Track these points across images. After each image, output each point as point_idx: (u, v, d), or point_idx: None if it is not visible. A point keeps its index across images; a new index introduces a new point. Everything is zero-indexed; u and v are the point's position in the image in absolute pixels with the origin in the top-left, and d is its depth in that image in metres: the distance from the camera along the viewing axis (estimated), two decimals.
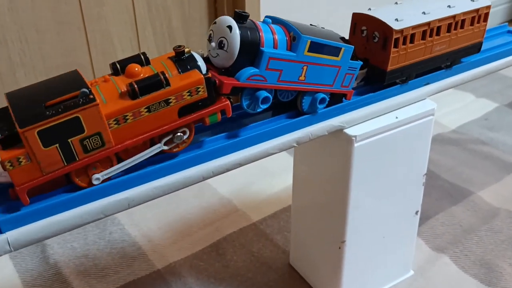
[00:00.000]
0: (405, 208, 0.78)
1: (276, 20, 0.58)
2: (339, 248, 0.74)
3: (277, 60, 0.55)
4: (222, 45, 0.53)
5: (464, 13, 0.69)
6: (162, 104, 0.49)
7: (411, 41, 0.65)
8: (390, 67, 0.65)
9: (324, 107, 0.62)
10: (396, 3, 0.69)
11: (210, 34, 0.54)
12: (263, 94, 0.55)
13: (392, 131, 0.68)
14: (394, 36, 0.62)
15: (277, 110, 0.62)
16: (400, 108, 0.70)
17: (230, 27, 0.52)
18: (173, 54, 0.52)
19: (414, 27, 0.64)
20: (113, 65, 0.51)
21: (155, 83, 0.48)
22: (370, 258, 0.78)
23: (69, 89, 0.45)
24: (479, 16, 0.72)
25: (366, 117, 0.67)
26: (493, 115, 1.36)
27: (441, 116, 1.34)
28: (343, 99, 0.64)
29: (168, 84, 0.49)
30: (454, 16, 0.68)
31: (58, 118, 0.44)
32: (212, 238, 0.94)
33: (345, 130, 0.65)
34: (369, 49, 0.66)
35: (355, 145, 0.65)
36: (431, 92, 0.72)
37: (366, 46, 0.66)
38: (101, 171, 0.49)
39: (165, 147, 0.52)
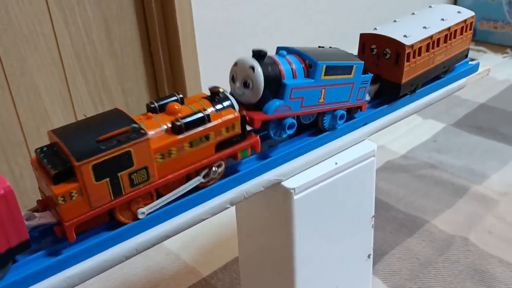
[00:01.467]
0: (356, 254, 0.74)
1: (289, 50, 0.62)
2: None
3: (298, 89, 0.59)
4: (247, 84, 0.56)
5: (456, 24, 0.75)
6: (203, 140, 0.52)
7: (419, 54, 0.69)
8: (404, 80, 0.69)
9: (343, 123, 0.66)
10: (395, 21, 0.74)
11: (233, 76, 0.58)
12: (289, 121, 0.59)
13: (333, 177, 0.65)
14: (407, 51, 0.67)
15: None
16: (339, 152, 0.66)
17: (253, 67, 0.56)
18: (205, 95, 0.56)
19: (421, 41, 0.69)
20: (151, 104, 0.53)
21: (199, 119, 0.51)
22: None
23: (118, 125, 0.47)
24: (467, 25, 0.77)
25: (304, 166, 0.63)
26: (441, 136, 1.36)
27: (390, 142, 1.33)
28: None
29: (209, 120, 0.52)
30: (449, 28, 0.73)
31: (112, 152, 0.45)
32: None
33: (283, 183, 0.61)
34: (380, 65, 0.70)
35: (295, 197, 0.61)
36: (370, 133, 0.70)
37: (377, 63, 0.70)
38: (144, 205, 0.50)
39: (203, 180, 0.54)
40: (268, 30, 1.40)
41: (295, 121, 0.60)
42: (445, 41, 0.74)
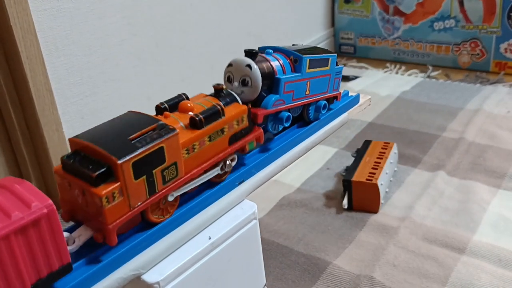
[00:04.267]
0: None
1: (274, 49, 0.66)
2: None
3: (290, 83, 0.63)
4: (246, 82, 0.60)
5: None
6: (219, 133, 0.54)
7: None
8: None
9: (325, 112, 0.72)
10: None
11: (229, 76, 0.61)
12: (285, 114, 0.63)
13: (209, 255, 0.53)
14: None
15: None
16: (213, 222, 0.55)
17: (249, 66, 0.59)
18: (205, 95, 0.58)
19: None
20: (161, 105, 0.55)
21: (215, 113, 0.53)
22: None
23: (143, 124, 0.48)
24: None
25: (170, 249, 0.51)
26: (333, 162, 1.30)
27: (283, 174, 1.25)
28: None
29: (223, 114, 0.54)
30: None
31: (148, 149, 0.46)
32: None
33: (143, 277, 0.48)
34: None
35: None
36: (248, 191, 0.59)
37: None
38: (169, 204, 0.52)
39: (216, 173, 0.56)
40: (131, 69, 1.27)
41: (290, 114, 0.64)
42: None
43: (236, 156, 0.58)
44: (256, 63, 0.60)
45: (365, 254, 0.96)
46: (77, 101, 1.13)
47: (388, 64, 1.93)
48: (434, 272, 0.90)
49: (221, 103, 0.55)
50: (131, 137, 0.46)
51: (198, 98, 0.58)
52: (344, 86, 0.71)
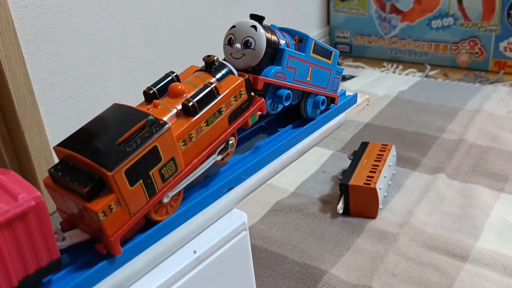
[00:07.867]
0: None
1: (279, 28, 0.62)
2: None
3: (294, 59, 0.59)
4: (249, 44, 0.56)
5: None
6: (216, 115, 0.50)
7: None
8: None
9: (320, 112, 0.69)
10: None
11: (231, 38, 0.57)
12: (285, 92, 0.59)
13: (194, 270, 0.48)
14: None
15: None
16: (199, 233, 0.51)
17: (255, 27, 0.56)
18: (197, 67, 0.54)
19: None
20: (149, 90, 0.50)
21: (209, 94, 0.49)
22: None
23: (131, 121, 0.44)
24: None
25: (151, 265, 0.46)
26: (329, 165, 1.26)
27: (277, 178, 1.20)
28: None
29: (218, 93, 0.50)
30: None
31: (140, 152, 0.43)
32: None
33: None
34: None
35: None
36: (238, 198, 0.55)
37: None
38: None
39: (219, 158, 0.52)
40: (118, 69, 1.22)
41: (290, 92, 0.60)
42: None
43: (235, 134, 0.54)
44: (264, 27, 0.57)
45: (363, 263, 0.91)
46: (61, 103, 1.08)
47: (385, 63, 1.88)
48: (436, 281, 0.85)
49: (214, 80, 0.51)
50: (119, 140, 0.42)
51: (189, 74, 0.54)
52: (340, 86, 0.67)
